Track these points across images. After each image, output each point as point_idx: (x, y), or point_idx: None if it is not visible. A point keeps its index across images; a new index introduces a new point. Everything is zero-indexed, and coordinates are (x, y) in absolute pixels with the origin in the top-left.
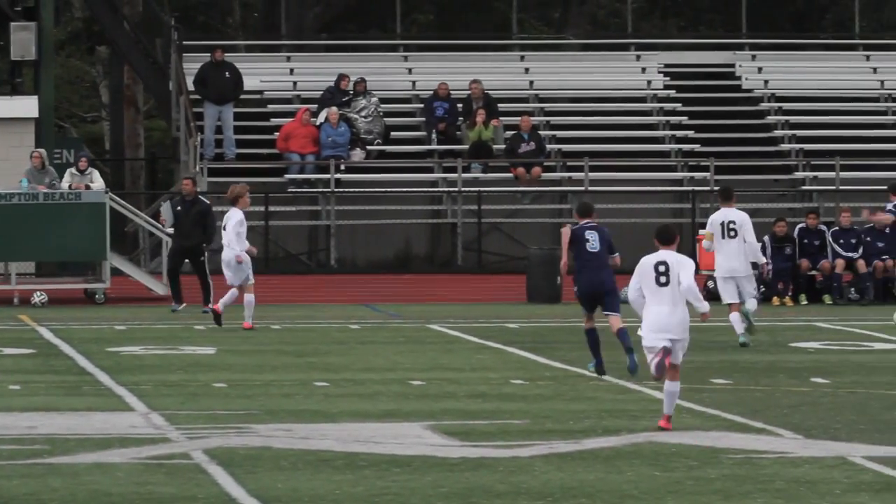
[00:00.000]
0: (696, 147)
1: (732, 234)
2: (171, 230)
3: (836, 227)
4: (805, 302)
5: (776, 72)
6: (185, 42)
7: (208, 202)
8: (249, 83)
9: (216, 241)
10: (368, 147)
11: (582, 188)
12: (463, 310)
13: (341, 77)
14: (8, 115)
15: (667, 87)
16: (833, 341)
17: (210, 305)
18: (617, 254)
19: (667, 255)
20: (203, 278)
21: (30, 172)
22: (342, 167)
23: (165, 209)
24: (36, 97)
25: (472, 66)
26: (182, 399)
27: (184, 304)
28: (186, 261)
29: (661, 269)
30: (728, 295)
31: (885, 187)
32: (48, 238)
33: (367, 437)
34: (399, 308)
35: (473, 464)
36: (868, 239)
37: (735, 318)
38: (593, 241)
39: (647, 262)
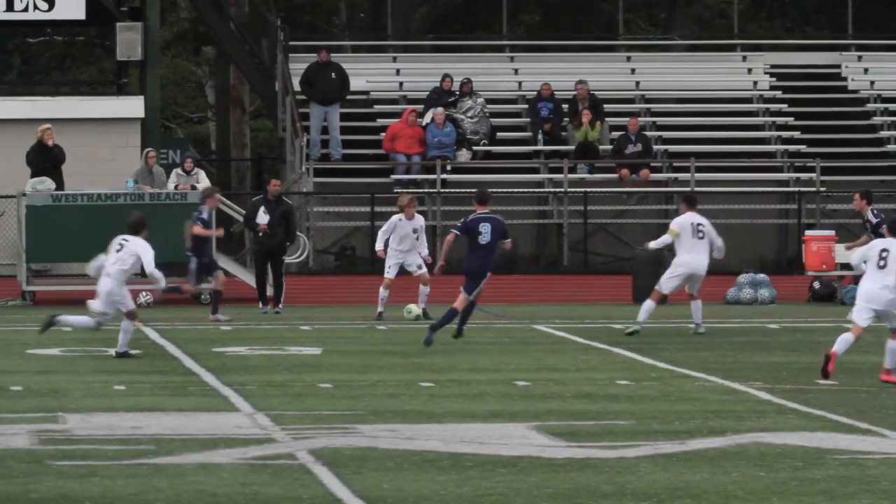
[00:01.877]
0: (802, 148)
1: (701, 235)
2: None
3: None
4: None
5: (882, 73)
6: (291, 42)
7: (290, 202)
8: (355, 84)
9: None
10: (475, 147)
11: (688, 189)
12: (569, 310)
13: (445, 77)
14: (114, 116)
15: (773, 88)
16: None
17: (280, 306)
18: (509, 240)
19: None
20: (280, 279)
21: (138, 173)
22: (448, 167)
23: (260, 215)
24: (142, 97)
25: (578, 66)
26: (287, 399)
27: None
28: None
29: (884, 254)
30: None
31: None
32: (155, 238)
33: (473, 437)
34: (505, 308)
35: (579, 464)
36: None
37: (648, 306)
38: (485, 234)
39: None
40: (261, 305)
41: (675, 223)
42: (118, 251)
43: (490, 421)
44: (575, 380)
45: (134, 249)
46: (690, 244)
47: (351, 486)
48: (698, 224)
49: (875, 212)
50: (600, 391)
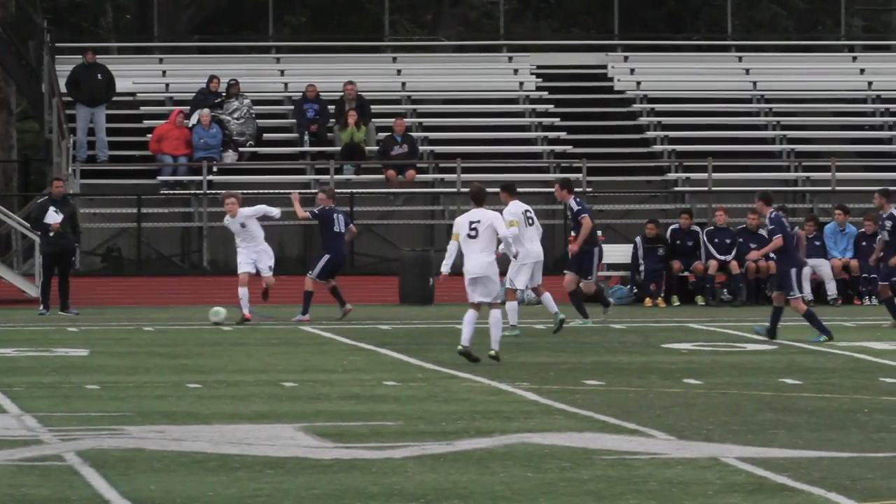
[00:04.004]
0: (569, 148)
1: (531, 222)
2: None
3: (711, 227)
4: (677, 303)
5: (648, 73)
6: (57, 44)
7: (74, 203)
8: (122, 85)
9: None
10: (241, 149)
11: (454, 189)
12: (335, 311)
13: (212, 78)
14: None
15: (539, 89)
16: (706, 342)
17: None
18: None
19: None
20: (66, 280)
21: None
22: (215, 169)
23: (51, 215)
24: None
25: (345, 67)
26: (55, 401)
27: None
28: None
29: None
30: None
31: (756, 188)
32: None
33: (240, 438)
34: (273, 310)
35: (346, 465)
36: (741, 240)
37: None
38: (339, 224)
39: None
40: (42, 308)
41: (510, 213)
42: None
43: (258, 422)
44: (342, 380)
45: None
46: (525, 233)
47: (119, 487)
48: (526, 211)
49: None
50: (367, 392)
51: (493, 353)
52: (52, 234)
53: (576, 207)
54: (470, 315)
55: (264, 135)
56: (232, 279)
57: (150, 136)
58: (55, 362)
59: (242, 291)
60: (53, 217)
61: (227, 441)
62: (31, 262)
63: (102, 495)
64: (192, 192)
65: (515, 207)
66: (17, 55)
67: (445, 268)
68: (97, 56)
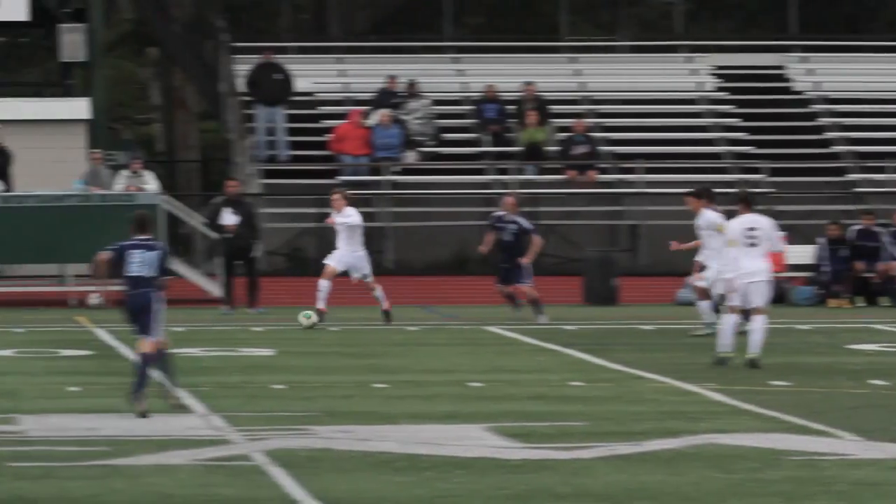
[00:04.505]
0: (751, 149)
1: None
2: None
3: (894, 228)
4: (862, 304)
5: (827, 73)
6: (234, 44)
7: (251, 202)
8: (300, 85)
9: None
10: (421, 149)
11: (636, 190)
12: (520, 312)
13: (391, 78)
14: (60, 117)
15: (719, 89)
16: (891, 343)
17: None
18: None
19: None
20: (253, 279)
21: (86, 174)
22: (395, 169)
23: (226, 216)
24: (87, 99)
25: (523, 67)
26: (241, 401)
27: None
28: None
29: None
30: None
31: None
32: (103, 239)
33: (428, 438)
34: (456, 310)
35: (535, 465)
36: None
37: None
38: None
39: None
40: (225, 307)
41: (707, 221)
42: None
43: (445, 422)
44: (528, 381)
45: None
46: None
47: (307, 487)
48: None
49: None
50: (554, 392)
51: (752, 357)
52: (228, 235)
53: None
54: (733, 319)
55: (444, 135)
56: (418, 279)
57: (329, 135)
58: (241, 362)
59: (324, 283)
60: (228, 219)
61: (414, 441)
62: (213, 261)
63: (290, 495)
64: (373, 192)
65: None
66: (196, 55)
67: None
68: (275, 56)
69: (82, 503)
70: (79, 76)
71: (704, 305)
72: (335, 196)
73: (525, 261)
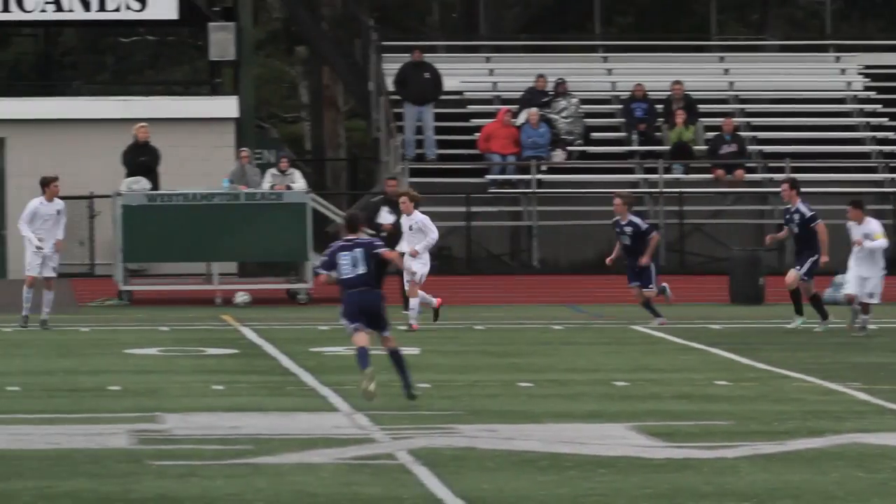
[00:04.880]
0: None
1: None
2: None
3: None
4: None
5: None
6: (383, 42)
7: None
8: (449, 84)
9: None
10: (569, 148)
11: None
12: (665, 311)
13: (539, 77)
14: (208, 115)
15: (867, 89)
16: None
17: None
18: None
19: None
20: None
21: (233, 173)
22: (543, 168)
23: (384, 215)
24: (236, 97)
25: (671, 67)
26: (386, 399)
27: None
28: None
29: None
30: None
31: None
32: (250, 238)
33: (572, 437)
34: (602, 309)
35: (678, 465)
36: None
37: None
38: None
39: None
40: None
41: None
42: None
43: (589, 421)
44: (673, 380)
45: None
46: None
47: (451, 486)
48: None
49: None
50: (698, 391)
51: None
52: (384, 234)
53: (808, 213)
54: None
55: (592, 134)
56: (563, 278)
57: (477, 134)
58: (386, 360)
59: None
60: (386, 217)
61: (558, 440)
62: None
63: (434, 494)
64: (521, 191)
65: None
66: (345, 54)
67: None
68: (424, 55)
69: (224, 502)
70: (227, 75)
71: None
72: (402, 199)
73: (644, 261)
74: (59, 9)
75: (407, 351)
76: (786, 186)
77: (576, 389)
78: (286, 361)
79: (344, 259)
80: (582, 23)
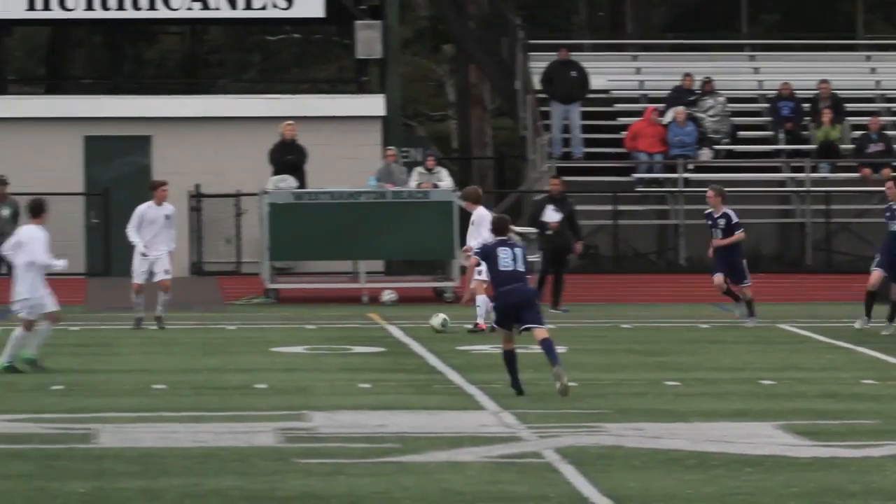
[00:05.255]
0: None
1: None
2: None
3: None
4: None
5: None
6: (530, 41)
7: (572, 202)
8: (596, 82)
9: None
10: (716, 146)
11: None
12: (812, 309)
13: (686, 76)
14: (355, 114)
15: None
16: None
17: (561, 307)
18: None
19: None
20: (560, 279)
21: (379, 171)
22: (690, 166)
23: (549, 213)
24: (382, 96)
25: (819, 66)
26: (532, 398)
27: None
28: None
29: None
30: None
31: None
32: (396, 236)
33: (719, 436)
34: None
35: (825, 464)
36: None
37: None
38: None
39: None
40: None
41: None
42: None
43: (736, 420)
44: (820, 379)
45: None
46: None
47: (597, 484)
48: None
49: None
50: (845, 390)
51: None
52: (549, 232)
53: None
54: None
55: (739, 132)
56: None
57: (624, 133)
58: (533, 359)
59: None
60: (551, 216)
61: (705, 439)
62: None
63: (581, 492)
64: (668, 189)
65: None
66: (491, 52)
67: None
68: (571, 53)
69: (371, 500)
70: (374, 73)
71: None
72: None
73: (718, 242)
74: (206, 7)
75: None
76: (889, 185)
77: (722, 388)
78: (433, 360)
79: (504, 254)
80: (728, 21)
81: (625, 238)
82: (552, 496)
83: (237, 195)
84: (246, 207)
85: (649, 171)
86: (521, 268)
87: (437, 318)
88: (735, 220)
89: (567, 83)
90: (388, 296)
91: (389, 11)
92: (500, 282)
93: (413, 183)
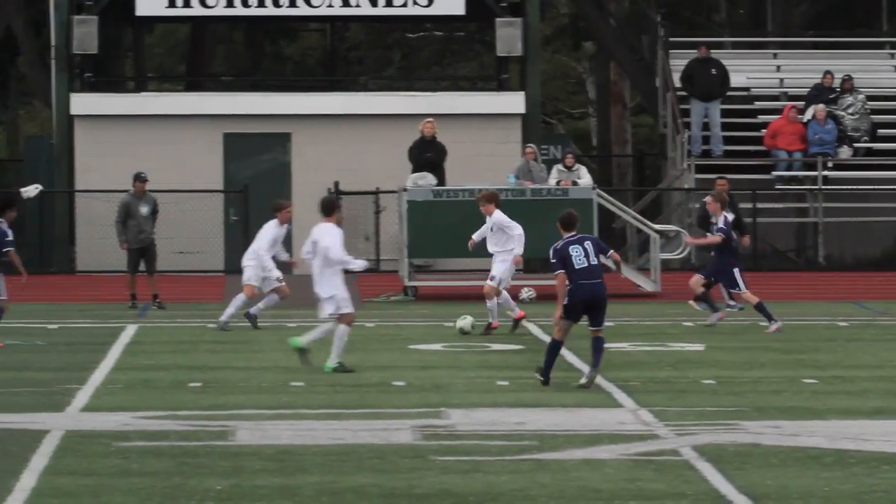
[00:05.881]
0: None
1: None
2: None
3: None
4: None
5: None
6: (670, 39)
7: (737, 200)
8: (735, 80)
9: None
10: (855, 144)
11: None
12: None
13: (825, 74)
14: (494, 111)
15: None
16: None
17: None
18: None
19: None
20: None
21: (519, 168)
22: (829, 164)
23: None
24: (522, 93)
25: None
26: (670, 396)
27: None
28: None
29: None
30: None
31: None
32: (535, 234)
33: (856, 434)
34: (886, 305)
35: None
36: None
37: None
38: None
39: None
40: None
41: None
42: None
43: (873, 417)
44: None
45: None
46: None
47: (734, 482)
48: None
49: None
50: None
51: None
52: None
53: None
54: None
55: (879, 131)
56: (848, 274)
57: (764, 131)
58: (671, 357)
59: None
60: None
61: (842, 436)
62: (646, 256)
63: (718, 490)
64: (808, 187)
65: None
66: (632, 50)
67: None
68: (711, 51)
69: (508, 497)
70: (514, 70)
71: None
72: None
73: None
74: (346, 4)
75: (690, 347)
76: None
77: (860, 386)
78: (571, 357)
79: (575, 251)
80: (869, 19)
81: (763, 236)
82: (689, 494)
83: (376, 192)
84: (384, 205)
85: (788, 168)
86: (594, 261)
87: (466, 321)
88: (727, 226)
89: (707, 81)
90: (526, 293)
91: (530, 9)
92: (576, 278)
93: (552, 180)
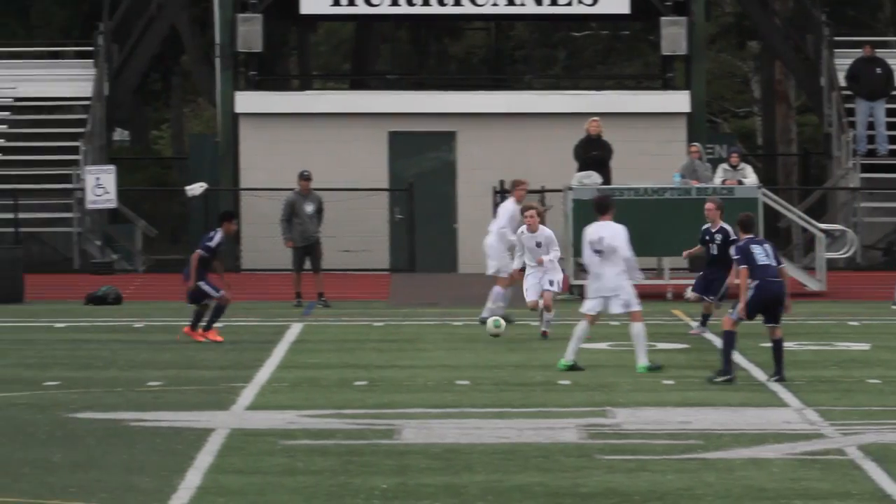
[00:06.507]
0: None
1: None
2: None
3: None
4: None
5: None
6: (835, 38)
7: None
8: None
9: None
10: None
11: None
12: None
13: None
14: (659, 110)
15: None
16: None
17: None
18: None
19: None
20: None
21: (684, 167)
22: None
23: None
24: (687, 92)
25: None
26: (836, 395)
27: None
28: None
29: None
30: None
31: None
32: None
33: None
34: None
35: None
36: None
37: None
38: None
39: None
40: None
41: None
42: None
43: None
44: None
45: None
46: None
47: None
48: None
49: None
50: None
51: None
52: None
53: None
54: None
55: None
56: None
57: None
58: (837, 356)
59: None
60: None
61: None
62: (811, 255)
63: (884, 489)
64: None
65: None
66: (796, 49)
67: None
68: (876, 50)
69: (674, 497)
70: (679, 69)
71: None
72: (528, 213)
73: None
74: (511, 2)
75: (856, 347)
76: None
77: None
78: (736, 356)
79: (758, 251)
80: None
81: None
82: (854, 493)
83: (541, 191)
84: (550, 203)
85: None
86: (773, 262)
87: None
88: (732, 236)
89: (872, 80)
90: (692, 292)
91: (695, 8)
92: (759, 275)
93: (717, 179)
